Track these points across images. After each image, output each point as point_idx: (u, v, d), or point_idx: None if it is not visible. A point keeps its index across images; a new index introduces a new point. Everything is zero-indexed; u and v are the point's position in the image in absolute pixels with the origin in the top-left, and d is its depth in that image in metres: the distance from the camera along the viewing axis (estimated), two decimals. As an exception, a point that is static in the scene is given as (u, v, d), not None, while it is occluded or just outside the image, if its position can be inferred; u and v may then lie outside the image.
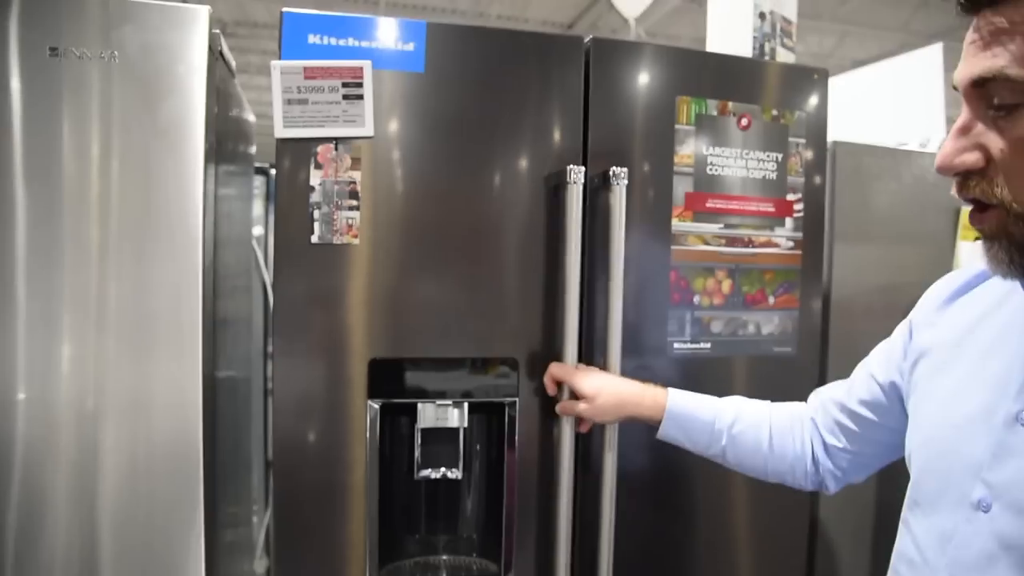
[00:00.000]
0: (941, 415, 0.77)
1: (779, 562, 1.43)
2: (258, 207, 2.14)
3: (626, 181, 1.20)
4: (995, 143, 0.59)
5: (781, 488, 1.04)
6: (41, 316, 1.10)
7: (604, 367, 1.21)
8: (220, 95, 1.23)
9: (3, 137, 1.08)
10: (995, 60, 0.57)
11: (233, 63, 1.41)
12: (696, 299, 1.31)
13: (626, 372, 1.22)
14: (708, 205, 1.32)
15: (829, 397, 0.99)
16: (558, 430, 1.20)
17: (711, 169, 1.32)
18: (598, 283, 1.24)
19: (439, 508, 1.33)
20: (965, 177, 0.62)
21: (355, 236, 1.16)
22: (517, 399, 1.23)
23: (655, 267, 1.28)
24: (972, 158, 0.61)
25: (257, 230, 2.12)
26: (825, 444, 0.98)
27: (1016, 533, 0.65)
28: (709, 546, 1.38)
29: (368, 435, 1.17)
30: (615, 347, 1.20)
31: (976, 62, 0.59)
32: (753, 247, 1.34)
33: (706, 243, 1.31)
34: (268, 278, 2.11)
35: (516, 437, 1.23)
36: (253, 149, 1.85)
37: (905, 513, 0.82)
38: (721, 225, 1.32)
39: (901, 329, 0.90)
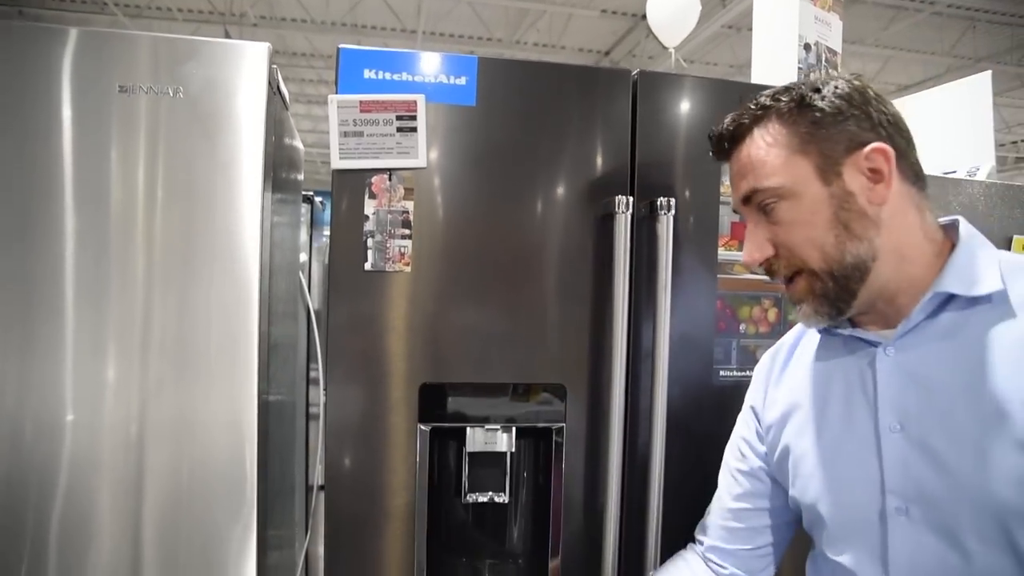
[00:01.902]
0: (828, 457, 0.85)
1: None
2: (302, 234, 2.19)
3: (673, 211, 1.22)
4: (773, 232, 0.81)
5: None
6: (99, 338, 1.15)
7: (651, 393, 1.22)
8: (275, 125, 1.27)
9: (88, 177, 1.14)
10: (747, 182, 0.82)
11: (287, 95, 1.46)
12: (742, 327, 1.32)
13: (672, 398, 1.23)
14: (754, 234, 1.32)
15: (707, 519, 1.04)
16: (605, 457, 1.21)
17: (757, 198, 1.32)
18: (644, 310, 1.26)
19: (486, 532, 1.34)
20: (769, 266, 0.84)
21: (407, 264, 1.20)
22: (564, 425, 1.24)
23: (701, 295, 1.29)
24: (766, 250, 0.82)
25: (301, 257, 2.18)
26: (721, 564, 1.00)
27: (941, 523, 0.75)
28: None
29: (418, 458, 1.20)
30: (661, 374, 1.21)
31: (739, 188, 0.84)
32: (799, 276, 1.34)
33: (752, 272, 1.31)
34: (311, 304, 2.16)
35: (563, 462, 1.25)
36: (302, 177, 1.90)
37: None
38: (767, 254, 1.33)
39: (744, 419, 1.02)
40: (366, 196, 1.20)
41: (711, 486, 1.16)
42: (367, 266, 1.19)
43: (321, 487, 1.84)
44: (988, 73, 2.17)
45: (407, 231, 1.20)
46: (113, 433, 1.16)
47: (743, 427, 1.02)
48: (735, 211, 0.96)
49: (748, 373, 1.31)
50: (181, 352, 1.17)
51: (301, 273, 2.13)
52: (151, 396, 1.16)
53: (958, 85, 2.11)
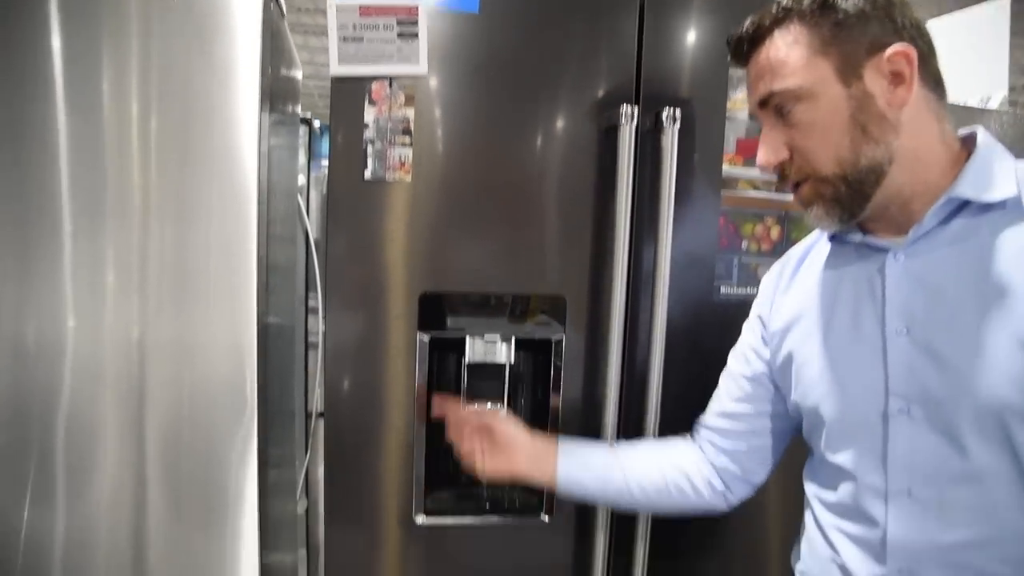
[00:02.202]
0: (833, 361, 0.86)
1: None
2: (300, 157, 2.17)
3: (678, 123, 1.20)
4: (789, 136, 0.80)
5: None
6: (97, 258, 1.14)
7: (651, 309, 1.22)
8: (272, 36, 1.24)
9: (46, 79, 1.10)
10: (765, 84, 0.81)
11: (284, 4, 1.42)
12: (744, 245, 1.31)
13: (672, 313, 1.23)
14: (759, 151, 1.31)
15: (706, 416, 1.06)
16: (604, 371, 1.22)
17: (763, 114, 1.30)
18: (646, 225, 1.25)
19: (484, 444, 1.36)
20: (781, 171, 0.83)
21: (407, 173, 1.18)
22: (563, 337, 1.25)
23: (704, 211, 1.28)
24: (781, 153, 0.81)
25: (299, 179, 2.16)
26: (717, 453, 1.03)
27: (942, 422, 0.76)
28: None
29: (417, 368, 1.21)
30: (662, 288, 1.21)
31: (756, 90, 0.83)
32: (804, 194, 1.33)
33: (756, 188, 1.30)
34: (310, 227, 2.15)
35: (561, 375, 1.25)
36: (299, 97, 1.87)
37: (815, 486, 0.91)
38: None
39: (750, 327, 1.02)
40: (366, 103, 1.18)
41: (708, 401, 1.18)
42: (367, 175, 1.18)
43: (320, 414, 1.87)
44: (1006, 1, 2.11)
45: (407, 139, 1.18)
46: (115, 351, 1.16)
47: (748, 334, 1.02)
48: (751, 116, 0.96)
49: (749, 290, 1.32)
50: (180, 272, 1.16)
51: (300, 195, 2.12)
52: (151, 315, 1.16)
53: (976, 10, 2.06)
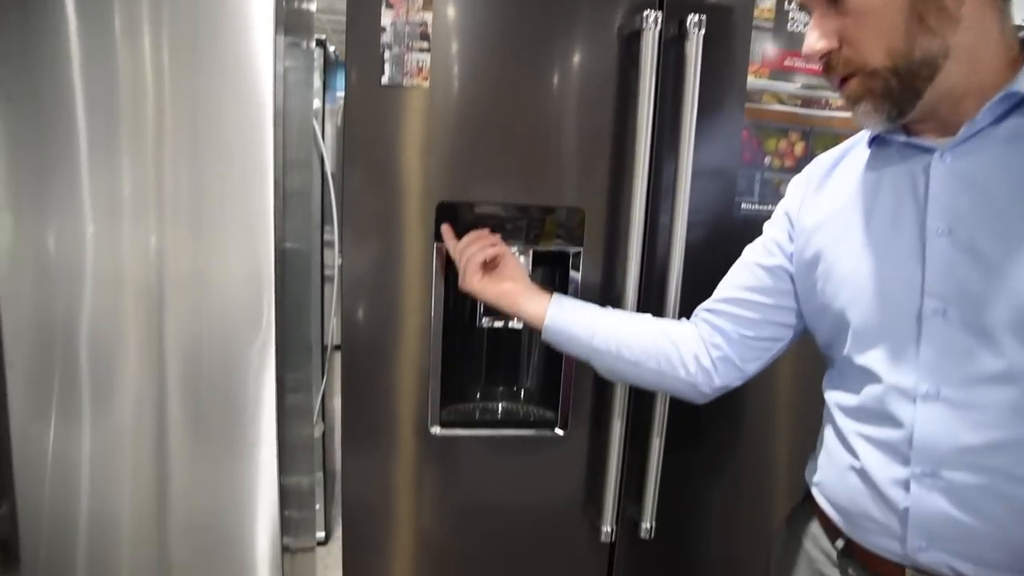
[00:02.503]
0: (866, 261, 0.83)
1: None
2: (316, 80, 2.13)
3: (703, 30, 1.16)
4: (841, 24, 0.76)
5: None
6: (111, 183, 1.15)
7: (671, 224, 1.20)
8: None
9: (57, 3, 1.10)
10: None
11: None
12: (767, 160, 1.28)
13: (691, 230, 1.21)
14: (786, 63, 1.27)
15: (710, 301, 1.04)
16: (622, 285, 1.21)
17: (792, 26, 1.26)
18: (667, 136, 1.22)
19: (499, 358, 1.36)
20: (827, 63, 0.79)
21: (425, 79, 1.16)
22: (581, 250, 1.24)
23: (727, 124, 1.25)
24: (828, 41, 0.77)
25: (314, 103, 2.13)
26: (713, 333, 1.01)
27: (978, 323, 0.74)
28: (756, 431, 1.40)
29: (434, 275, 1.20)
30: (682, 202, 1.19)
31: None
32: (830, 110, 1.29)
33: (781, 103, 1.27)
34: (325, 152, 2.13)
35: (579, 288, 1.24)
36: (313, 30, 1.83)
37: (838, 392, 0.89)
38: (798, 85, 1.27)
39: (776, 222, 0.99)
40: (383, 6, 1.14)
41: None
42: (384, 80, 1.15)
43: (337, 347, 1.87)
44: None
45: (425, 44, 1.15)
46: (134, 274, 1.18)
47: (773, 228, 1.00)
48: (801, 7, 0.97)
49: (770, 207, 1.29)
50: (197, 193, 1.17)
51: (315, 119, 2.09)
52: (168, 237, 1.18)
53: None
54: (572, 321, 1.06)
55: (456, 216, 1.19)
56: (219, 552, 1.29)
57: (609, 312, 1.08)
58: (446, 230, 1.17)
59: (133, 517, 1.25)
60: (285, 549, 1.35)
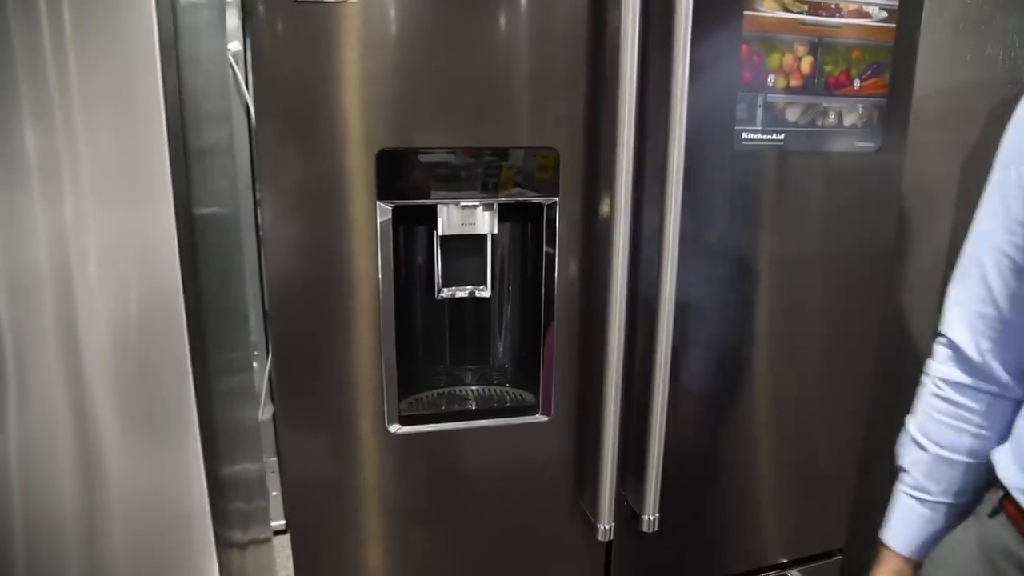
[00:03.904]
0: None
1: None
2: (232, 18, 1.84)
3: (693, -81, 0.93)
4: None
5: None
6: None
7: (664, 160, 0.99)
8: None
9: None
10: None
11: None
12: (770, 79, 1.07)
13: (685, 164, 0.99)
14: (788, -40, 1.05)
15: (969, 315, 0.80)
16: (607, 239, 1.00)
17: (793, -87, 1.04)
18: (652, 55, 1.00)
19: (465, 334, 1.15)
20: None
21: (351, -8, 0.91)
22: (557, 199, 1.02)
23: (723, 37, 1.04)
24: None
25: (234, 45, 1.84)
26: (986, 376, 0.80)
27: None
28: (768, 405, 1.22)
29: (379, 245, 0.97)
30: (677, 132, 0.97)
31: None
32: (840, 16, 1.09)
33: (786, 9, 1.06)
34: (250, 99, 1.85)
35: (556, 246, 1.03)
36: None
37: None
38: (803, -14, 1.06)
39: (1007, 186, 0.74)
40: (289, -102, 0.89)
41: (727, 271, 0.98)
42: (297, -6, 0.90)
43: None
44: None
45: (347, -54, 0.90)
46: (35, 259, 0.96)
47: (1011, 193, 0.74)
48: None
49: (775, 137, 1.10)
50: (92, 162, 0.94)
51: (234, 63, 1.81)
52: (69, 215, 0.95)
53: None
54: (919, 524, 0.86)
55: (401, 166, 0.96)
56: (154, 549, 1.12)
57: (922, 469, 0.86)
58: None
59: (69, 515, 1.08)
60: (231, 543, 1.24)
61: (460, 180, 0.98)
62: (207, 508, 1.11)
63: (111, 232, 0.97)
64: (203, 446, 1.10)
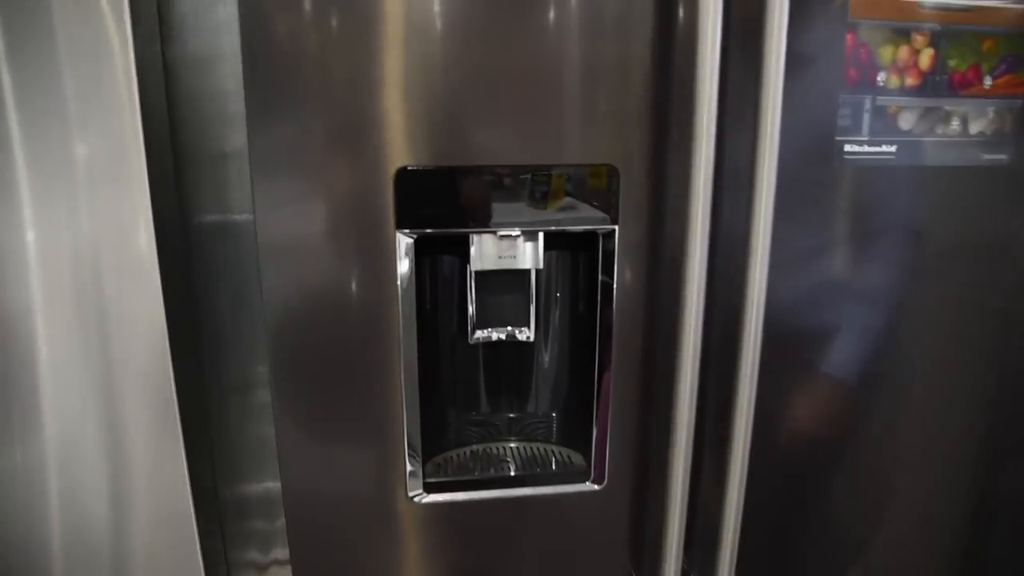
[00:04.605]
0: None
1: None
2: (220, 10, 1.70)
3: None
4: None
5: None
6: None
7: (751, 174, 0.80)
8: None
9: None
10: None
11: None
12: (880, 78, 0.87)
13: (780, 190, 0.80)
14: (906, -70, 0.85)
15: None
16: (678, 271, 0.81)
17: None
18: (735, 51, 0.81)
19: (502, 381, 0.98)
20: None
21: (365, -23, 0.74)
22: (616, 228, 0.83)
23: (823, 24, 0.84)
24: None
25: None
26: None
27: None
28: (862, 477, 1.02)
29: (400, 282, 0.80)
30: (766, 144, 0.78)
31: None
32: (969, -2, 0.88)
33: (909, -12, 0.86)
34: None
35: (614, 281, 0.85)
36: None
37: None
38: (924, -38, 0.86)
39: None
40: None
41: (824, 309, 0.79)
42: (301, -18, 0.74)
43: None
44: None
45: (361, -80, 0.74)
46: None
47: None
48: None
49: (885, 149, 0.89)
50: (65, 167, 0.83)
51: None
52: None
53: None
54: None
55: (424, 189, 0.79)
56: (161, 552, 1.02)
57: None
58: None
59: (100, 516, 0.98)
60: (245, 563, 1.24)
61: (496, 205, 0.81)
62: (194, 530, 0.99)
63: (96, 239, 0.85)
64: (214, 463, 1.08)
